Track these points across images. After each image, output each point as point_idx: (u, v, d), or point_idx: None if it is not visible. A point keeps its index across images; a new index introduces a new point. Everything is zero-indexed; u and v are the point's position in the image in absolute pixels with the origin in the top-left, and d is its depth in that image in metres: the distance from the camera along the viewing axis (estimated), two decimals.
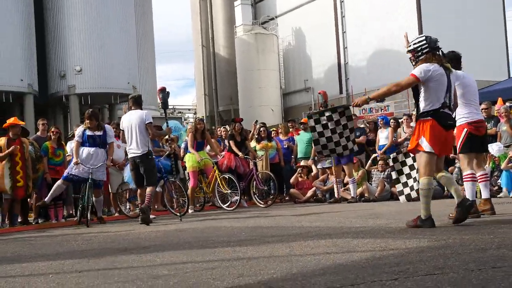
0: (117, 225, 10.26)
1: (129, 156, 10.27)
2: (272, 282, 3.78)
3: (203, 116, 39.84)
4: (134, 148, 10.02)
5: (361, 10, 34.22)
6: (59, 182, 10.63)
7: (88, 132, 10.57)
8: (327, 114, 8.44)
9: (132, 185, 11.61)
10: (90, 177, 10.34)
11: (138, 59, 36.54)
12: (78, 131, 10.79)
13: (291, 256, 4.86)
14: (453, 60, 7.53)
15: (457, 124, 7.52)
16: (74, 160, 10.38)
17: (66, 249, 6.83)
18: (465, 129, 7.51)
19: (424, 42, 6.52)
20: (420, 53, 6.54)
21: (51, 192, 10.61)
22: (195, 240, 6.83)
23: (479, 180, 7.77)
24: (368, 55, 33.99)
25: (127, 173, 11.61)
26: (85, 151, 10.50)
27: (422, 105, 6.41)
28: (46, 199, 10.58)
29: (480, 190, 8.18)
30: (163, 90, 10.54)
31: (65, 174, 10.64)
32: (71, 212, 12.48)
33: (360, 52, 34.39)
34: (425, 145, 6.32)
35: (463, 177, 7.80)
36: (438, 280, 3.49)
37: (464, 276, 3.57)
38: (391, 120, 14.70)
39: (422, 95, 6.42)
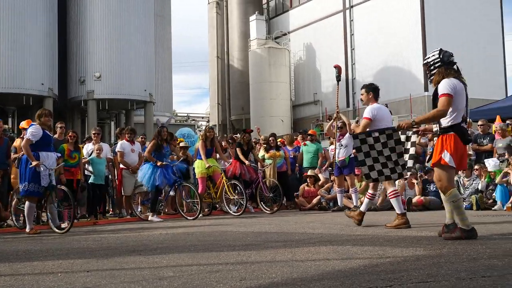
0: (127, 227, 10.26)
1: None
2: (272, 286, 3.78)
3: (213, 125, 40.02)
4: None
5: (369, 29, 34.36)
6: (30, 204, 9.27)
7: (45, 132, 9.38)
8: (374, 135, 7.91)
9: (146, 187, 11.65)
10: (51, 180, 9.33)
11: (155, 67, 36.71)
12: (37, 130, 9.25)
13: (292, 261, 4.85)
14: (374, 91, 8.33)
15: None
16: (34, 163, 8.95)
17: (76, 248, 6.81)
18: None
19: (437, 57, 6.36)
20: (432, 67, 6.38)
21: (27, 217, 9.36)
22: (202, 243, 6.83)
23: (391, 196, 8.20)
24: (374, 72, 34.02)
25: (142, 175, 11.62)
26: (49, 153, 9.44)
27: (445, 120, 6.19)
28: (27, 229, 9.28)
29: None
30: None
31: (29, 189, 9.12)
32: (84, 213, 12.50)
33: (367, 68, 34.44)
34: (448, 159, 6.09)
35: (388, 194, 8.30)
36: None
37: (455, 284, 3.56)
38: None
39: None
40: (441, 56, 6.34)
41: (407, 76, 31.64)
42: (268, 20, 42.53)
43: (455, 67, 6.37)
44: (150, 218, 11.46)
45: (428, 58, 6.50)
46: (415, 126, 6.74)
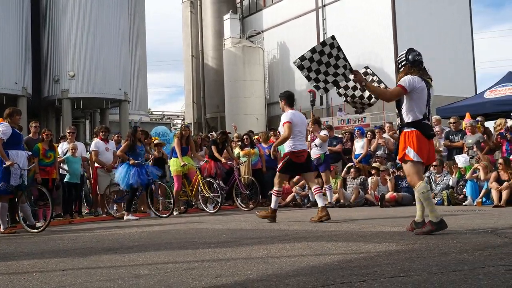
0: (103, 226, 10.17)
1: None
2: (247, 283, 3.77)
3: (189, 123, 39.86)
4: None
5: (342, 28, 34.44)
6: (2, 203, 9.18)
7: (15, 130, 9.32)
8: (340, 53, 8.12)
9: (122, 186, 11.55)
10: (23, 180, 9.27)
11: (130, 66, 36.42)
12: (7, 128, 9.19)
13: (267, 258, 4.85)
14: (288, 98, 9.15)
15: (285, 151, 9.04)
16: (8, 163, 8.92)
17: (51, 248, 6.73)
18: (288, 156, 8.84)
19: (403, 56, 6.54)
20: (400, 66, 6.57)
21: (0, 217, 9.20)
22: (177, 241, 6.79)
23: (315, 193, 8.88)
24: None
25: (118, 174, 11.52)
26: (19, 152, 9.38)
27: (406, 116, 6.36)
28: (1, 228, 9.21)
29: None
30: None
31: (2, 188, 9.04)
32: (59, 212, 12.36)
33: None
34: (413, 155, 6.26)
35: (273, 192, 9.13)
36: (403, 282, 3.50)
37: (427, 278, 3.59)
38: (368, 132, 14.82)
39: (405, 106, 6.36)
40: (407, 56, 6.50)
41: (380, 74, 31.38)
42: (242, 19, 42.46)
43: (423, 66, 6.51)
44: (125, 217, 11.35)
45: (398, 56, 6.66)
46: (363, 84, 6.92)
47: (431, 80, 6.50)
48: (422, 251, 4.83)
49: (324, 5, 36.13)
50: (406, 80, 6.30)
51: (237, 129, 17.63)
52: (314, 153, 12.53)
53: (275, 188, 9.08)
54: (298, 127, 8.90)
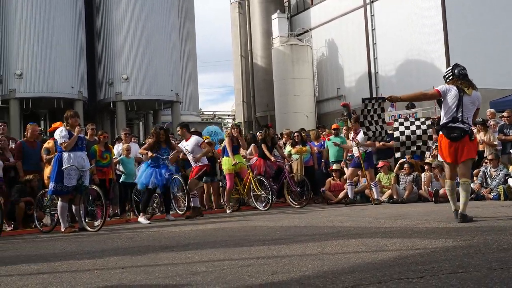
0: (159, 224, 10.32)
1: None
2: (303, 279, 3.76)
3: (239, 122, 40.03)
4: None
5: (390, 23, 33.96)
6: (62, 203, 9.49)
7: (71, 133, 9.51)
8: (373, 101, 9.56)
9: (138, 186, 11.46)
10: (84, 180, 9.48)
11: (181, 68, 36.80)
12: (62, 132, 9.49)
13: (322, 255, 4.83)
14: (186, 127, 11.97)
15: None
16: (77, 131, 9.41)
17: (110, 246, 6.87)
18: (203, 168, 11.49)
19: (450, 71, 7.49)
20: (447, 79, 7.50)
21: (60, 216, 9.54)
22: (232, 238, 6.84)
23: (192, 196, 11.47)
24: (396, 65, 33.68)
25: (140, 174, 11.24)
26: (78, 153, 9.57)
27: (441, 119, 7.40)
28: (62, 229, 9.50)
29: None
30: None
31: (56, 189, 9.35)
32: (116, 211, 12.61)
33: (389, 62, 34.09)
34: (439, 156, 7.56)
35: (191, 194, 11.41)
36: (462, 278, 3.43)
37: (487, 274, 3.50)
38: None
39: (442, 110, 7.40)
40: (453, 71, 7.44)
41: (430, 69, 31.23)
42: (289, 18, 42.38)
43: (468, 78, 7.36)
44: (138, 219, 10.94)
45: (446, 72, 7.60)
46: (399, 99, 7.81)
47: (474, 88, 7.32)
48: (480, 247, 4.71)
49: (372, 1, 35.68)
50: (441, 86, 7.40)
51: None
52: (355, 152, 12.55)
53: (191, 192, 11.41)
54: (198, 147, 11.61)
